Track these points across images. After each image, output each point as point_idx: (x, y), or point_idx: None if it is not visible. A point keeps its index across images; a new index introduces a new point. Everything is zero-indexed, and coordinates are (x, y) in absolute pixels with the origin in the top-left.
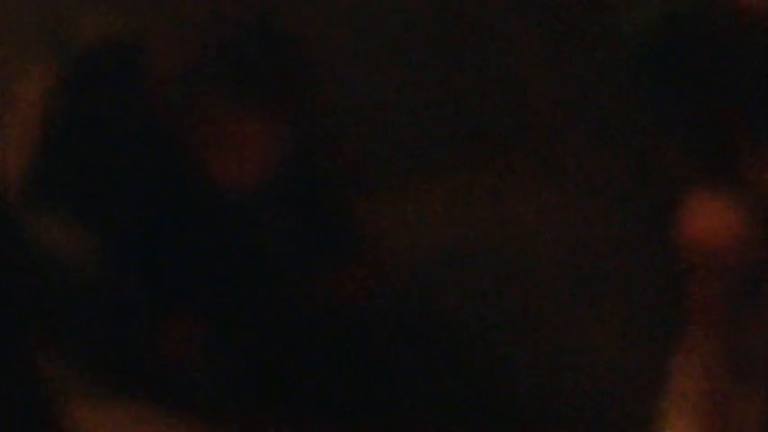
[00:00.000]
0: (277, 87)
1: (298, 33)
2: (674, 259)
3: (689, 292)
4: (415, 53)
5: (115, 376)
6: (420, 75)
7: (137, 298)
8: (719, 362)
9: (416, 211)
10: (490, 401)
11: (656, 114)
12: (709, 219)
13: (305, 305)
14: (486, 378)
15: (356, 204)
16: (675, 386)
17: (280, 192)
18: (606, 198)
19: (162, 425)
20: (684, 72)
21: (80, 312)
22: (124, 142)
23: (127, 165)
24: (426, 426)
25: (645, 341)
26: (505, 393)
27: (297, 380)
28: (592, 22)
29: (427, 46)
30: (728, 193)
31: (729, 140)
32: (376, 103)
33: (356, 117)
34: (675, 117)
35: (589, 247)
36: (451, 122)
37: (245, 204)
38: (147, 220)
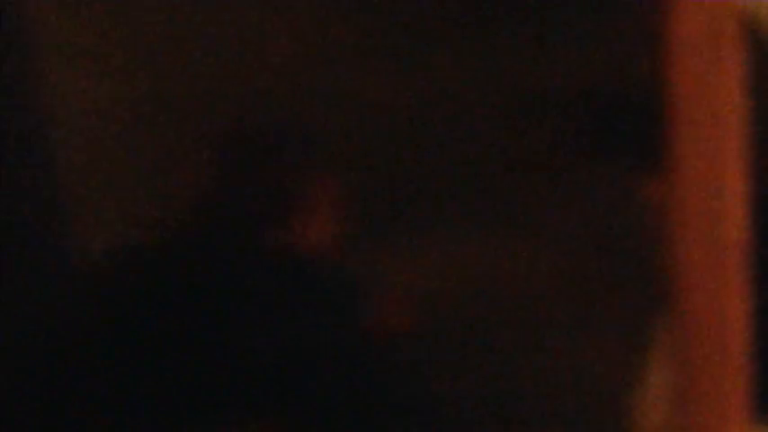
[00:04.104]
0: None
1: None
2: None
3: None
4: (416, 139)
5: None
6: (427, 152)
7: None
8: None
9: (419, 263)
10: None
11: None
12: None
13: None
14: (487, 384)
15: (372, 260)
16: (649, 379)
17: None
18: (568, 238)
19: None
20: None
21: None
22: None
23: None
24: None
25: (619, 344)
26: (502, 393)
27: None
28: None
29: (429, 136)
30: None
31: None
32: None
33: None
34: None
35: (548, 275)
36: (448, 189)
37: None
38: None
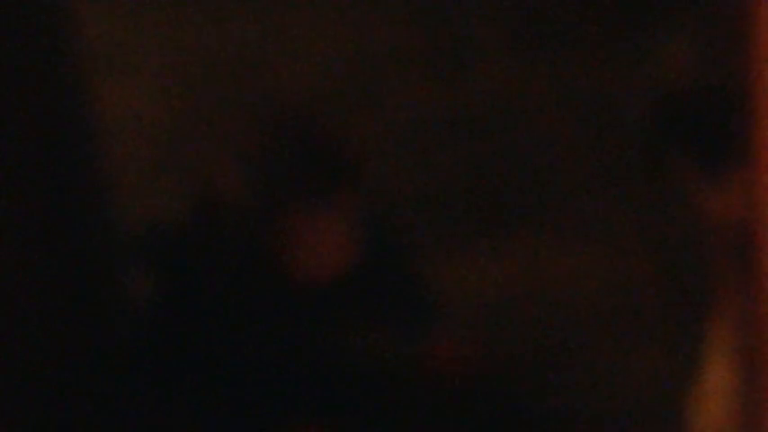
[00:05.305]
0: (340, 184)
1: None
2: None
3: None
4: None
5: None
6: (472, 165)
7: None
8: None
9: (471, 271)
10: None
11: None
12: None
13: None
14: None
15: (426, 273)
16: (705, 379)
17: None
18: (613, 243)
19: None
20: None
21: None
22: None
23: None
24: None
25: (674, 346)
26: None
27: None
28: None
29: (468, 145)
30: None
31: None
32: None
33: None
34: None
35: (607, 281)
36: (494, 200)
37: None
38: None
